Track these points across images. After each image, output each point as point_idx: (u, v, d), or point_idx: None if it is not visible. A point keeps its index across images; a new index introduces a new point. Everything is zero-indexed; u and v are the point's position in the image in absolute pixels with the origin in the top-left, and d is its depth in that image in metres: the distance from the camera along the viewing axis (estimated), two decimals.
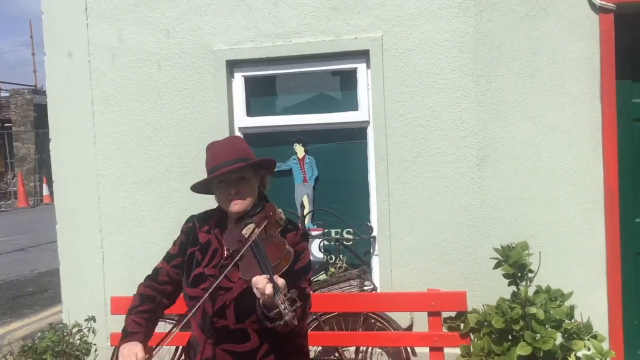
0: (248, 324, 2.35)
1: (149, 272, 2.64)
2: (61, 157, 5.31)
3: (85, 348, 4.57)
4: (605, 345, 3.82)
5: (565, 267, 4.39)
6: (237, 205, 2.40)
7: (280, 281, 2.12)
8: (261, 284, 2.09)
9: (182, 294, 2.58)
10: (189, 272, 2.49)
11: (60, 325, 4.75)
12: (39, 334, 4.79)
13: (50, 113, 5.31)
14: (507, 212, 4.52)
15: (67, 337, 4.57)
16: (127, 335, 2.40)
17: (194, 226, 2.58)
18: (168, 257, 2.60)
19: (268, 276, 2.12)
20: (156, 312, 2.54)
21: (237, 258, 2.31)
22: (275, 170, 5.06)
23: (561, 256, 4.38)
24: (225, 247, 2.43)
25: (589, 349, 3.64)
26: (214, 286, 2.33)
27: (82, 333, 4.65)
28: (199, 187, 2.54)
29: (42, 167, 27.44)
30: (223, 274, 2.33)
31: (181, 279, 2.54)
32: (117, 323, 4.63)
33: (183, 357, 2.65)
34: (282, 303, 2.05)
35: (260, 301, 2.15)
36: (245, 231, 2.34)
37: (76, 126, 5.22)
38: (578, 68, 4.38)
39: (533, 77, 4.45)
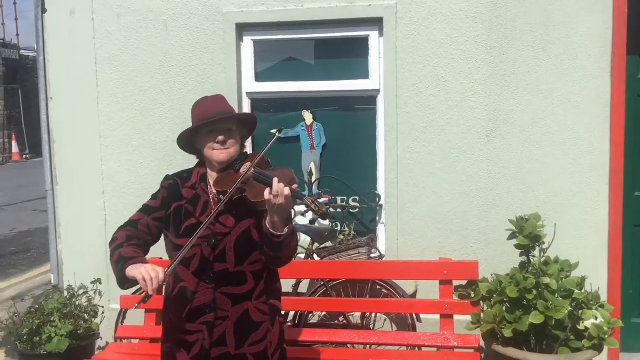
0: (246, 265, 2.54)
1: None
2: (61, 117, 5.21)
3: (92, 310, 4.57)
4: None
5: (569, 238, 4.48)
6: (223, 154, 2.55)
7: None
8: (280, 187, 2.29)
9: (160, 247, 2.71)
10: (178, 224, 2.58)
11: (67, 287, 4.73)
12: (43, 294, 4.78)
13: (51, 71, 5.18)
14: (515, 183, 4.60)
15: (74, 299, 4.56)
16: (130, 259, 2.43)
17: (176, 183, 2.68)
18: (148, 210, 2.67)
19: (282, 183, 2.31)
20: (144, 251, 2.59)
21: (234, 191, 2.45)
22: (283, 136, 5.08)
23: (566, 227, 4.46)
24: (215, 195, 2.58)
25: (596, 318, 3.77)
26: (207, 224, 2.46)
27: (88, 295, 4.65)
28: (185, 140, 2.65)
29: (12, 123, 26.81)
30: (218, 208, 2.46)
31: (159, 233, 2.65)
32: None
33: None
34: (311, 203, 2.29)
35: (267, 221, 2.37)
36: (243, 169, 2.51)
37: (78, 86, 5.12)
38: (590, 42, 4.43)
39: (546, 50, 4.48)
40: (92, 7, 5.03)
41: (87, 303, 4.61)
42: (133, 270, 2.34)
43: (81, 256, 5.19)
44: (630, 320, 4.75)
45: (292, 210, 2.35)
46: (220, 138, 2.53)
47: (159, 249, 2.81)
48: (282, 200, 2.28)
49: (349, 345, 4.29)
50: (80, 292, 4.65)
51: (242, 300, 2.54)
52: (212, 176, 2.63)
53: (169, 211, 2.63)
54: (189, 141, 2.66)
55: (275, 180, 2.31)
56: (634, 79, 4.62)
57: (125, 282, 2.41)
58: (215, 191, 2.58)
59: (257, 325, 2.56)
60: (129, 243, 2.55)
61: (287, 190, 2.28)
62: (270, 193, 2.30)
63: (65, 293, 4.65)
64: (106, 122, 5.10)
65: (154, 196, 2.70)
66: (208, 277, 2.52)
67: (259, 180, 2.42)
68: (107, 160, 5.13)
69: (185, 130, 2.61)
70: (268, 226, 2.38)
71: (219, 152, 2.55)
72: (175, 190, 2.66)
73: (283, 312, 4.37)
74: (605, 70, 4.43)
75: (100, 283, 4.72)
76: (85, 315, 4.54)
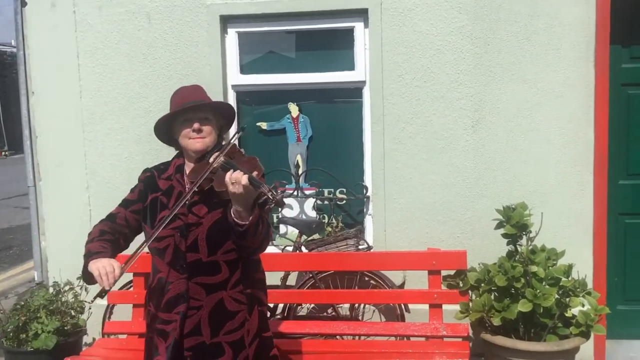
0: (219, 255, 2.53)
1: None
2: (44, 111, 5.14)
3: (79, 306, 4.53)
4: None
5: (554, 227, 4.49)
6: (198, 143, 2.55)
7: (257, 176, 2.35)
8: (237, 174, 2.28)
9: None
10: (154, 216, 2.61)
11: (53, 283, 4.68)
12: (29, 291, 4.72)
13: (33, 65, 5.11)
14: (500, 173, 4.62)
15: (60, 296, 4.52)
16: (93, 255, 2.48)
17: (152, 175, 2.71)
18: (126, 203, 2.71)
19: (242, 171, 2.31)
20: (116, 246, 2.64)
21: (202, 179, 2.45)
22: (269, 129, 5.08)
23: (551, 216, 4.47)
24: (188, 184, 2.59)
25: (583, 305, 3.80)
26: (177, 210, 2.49)
27: (74, 291, 4.60)
28: (162, 130, 2.66)
29: None
30: (185, 198, 2.49)
31: (138, 225, 2.69)
32: None
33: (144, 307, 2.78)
34: (268, 191, 2.26)
35: (232, 210, 2.36)
36: (211, 159, 2.50)
37: (60, 80, 5.05)
38: (574, 32, 4.46)
39: (530, 40, 4.50)
40: (73, 0, 4.96)
41: (73, 299, 4.56)
42: (92, 265, 2.39)
43: (66, 252, 5.12)
44: (616, 307, 4.79)
45: (269, 195, 2.31)
46: (196, 125, 2.53)
47: None
48: (240, 189, 2.28)
49: (338, 337, 4.29)
50: (66, 288, 4.60)
51: (217, 290, 2.54)
52: (189, 167, 2.64)
53: (146, 203, 2.66)
54: (167, 132, 2.67)
55: (237, 172, 2.32)
56: (617, 69, 4.65)
57: (88, 277, 2.44)
58: (189, 182, 2.58)
59: (233, 314, 2.56)
60: (100, 238, 2.58)
61: (244, 179, 2.27)
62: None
63: (51, 289, 4.61)
64: (89, 116, 5.05)
65: (132, 190, 2.74)
66: (181, 267, 2.53)
67: (225, 170, 2.40)
68: (91, 154, 5.08)
69: (161, 117, 2.62)
70: (233, 215, 2.38)
71: (194, 141, 2.55)
72: (152, 182, 2.69)
73: (272, 305, 4.41)
74: (589, 60, 4.46)
75: None
76: (72, 312, 4.50)
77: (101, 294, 2.38)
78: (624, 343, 4.80)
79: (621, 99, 4.69)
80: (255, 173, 2.34)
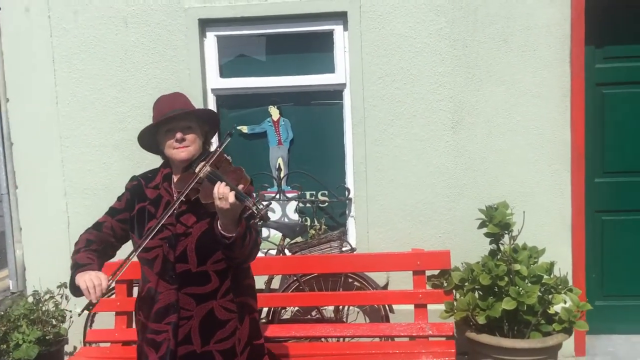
0: (209, 265, 2.51)
1: None
2: (20, 118, 5.05)
3: (60, 315, 4.46)
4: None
5: (533, 225, 4.55)
6: (183, 153, 2.53)
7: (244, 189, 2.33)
8: (223, 189, 2.26)
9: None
10: (141, 225, 2.58)
11: (32, 292, 4.61)
12: (4, 300, 4.64)
13: (8, 71, 5.01)
14: (480, 173, 4.68)
15: (40, 305, 4.45)
16: (80, 267, 2.45)
17: (140, 184, 2.67)
18: (112, 212, 2.68)
19: (228, 186, 2.28)
20: (103, 256, 2.62)
21: (189, 189, 2.43)
22: (250, 132, 5.06)
23: (530, 214, 4.53)
24: (176, 194, 2.57)
25: (565, 302, 3.87)
26: (162, 222, 2.46)
27: (54, 300, 4.54)
28: (147, 142, 2.64)
29: None
30: (171, 209, 2.46)
31: (125, 234, 2.66)
32: None
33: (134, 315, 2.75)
34: (253, 205, 2.26)
35: (219, 223, 2.35)
36: (197, 169, 2.47)
37: (36, 86, 4.97)
38: (550, 33, 4.53)
39: (507, 41, 4.57)
40: (47, 5, 4.88)
41: (54, 308, 4.49)
42: (79, 279, 2.36)
43: (45, 260, 5.04)
44: (594, 302, 4.88)
45: (254, 210, 2.29)
46: (178, 135, 2.51)
47: None
48: (227, 205, 2.26)
49: (323, 339, 4.29)
50: (47, 297, 4.53)
51: (207, 300, 2.52)
52: (176, 176, 2.61)
53: (133, 212, 2.62)
54: (152, 142, 2.65)
55: (218, 183, 2.30)
56: (592, 69, 4.74)
57: (75, 289, 2.41)
58: (176, 191, 2.56)
59: (223, 323, 2.55)
60: (87, 248, 2.55)
61: (231, 196, 2.25)
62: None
63: (31, 298, 4.53)
64: (66, 122, 4.97)
65: (119, 198, 2.70)
66: (170, 278, 2.51)
67: (211, 181, 2.37)
68: (69, 161, 5.00)
69: (143, 129, 2.59)
70: (220, 228, 2.37)
71: (178, 151, 2.53)
72: (139, 191, 2.65)
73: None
74: (565, 61, 4.54)
75: (66, 287, 4.60)
76: (53, 321, 4.44)
77: (88, 307, 2.36)
78: (603, 338, 4.90)
79: (596, 98, 4.78)
80: (240, 186, 2.32)
